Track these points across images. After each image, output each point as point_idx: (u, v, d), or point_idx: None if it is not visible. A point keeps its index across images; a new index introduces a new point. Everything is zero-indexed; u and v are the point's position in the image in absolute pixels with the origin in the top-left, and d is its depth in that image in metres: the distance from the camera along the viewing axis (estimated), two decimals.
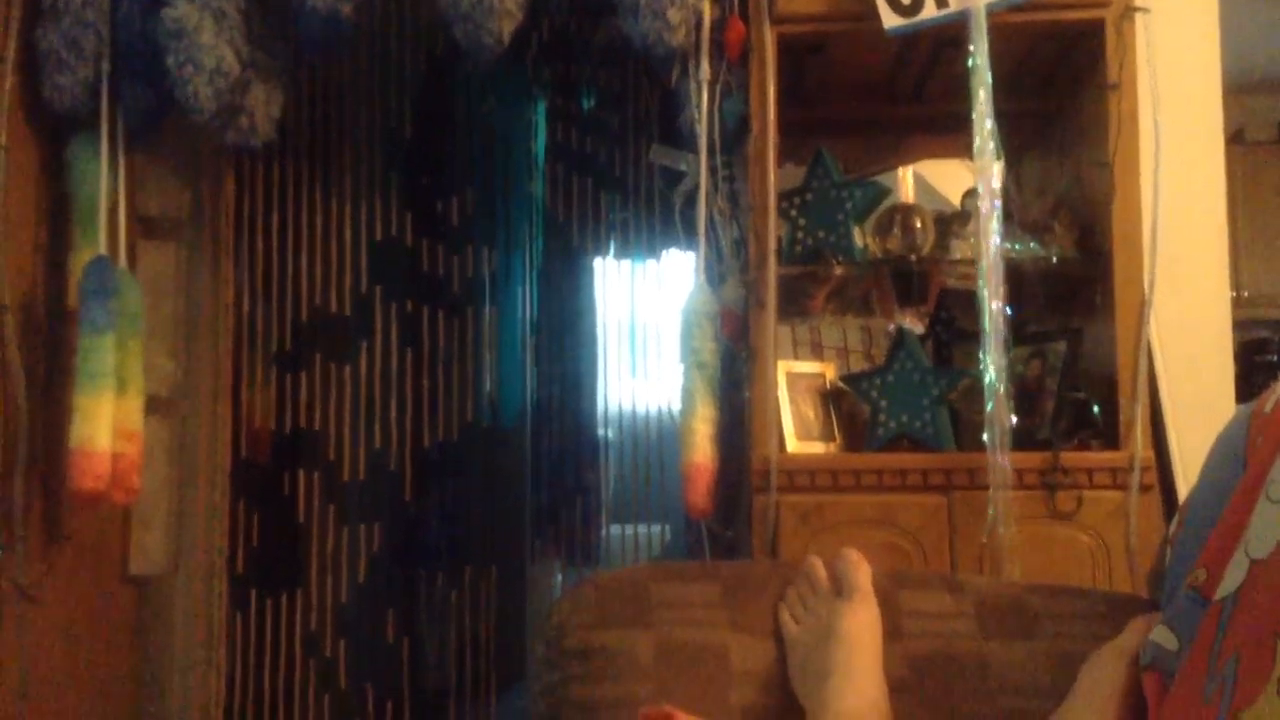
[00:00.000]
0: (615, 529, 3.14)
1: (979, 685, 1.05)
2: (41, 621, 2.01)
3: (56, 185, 2.08)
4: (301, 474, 2.70)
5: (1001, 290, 1.78)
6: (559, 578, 3.23)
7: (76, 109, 2.00)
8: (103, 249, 2.01)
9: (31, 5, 2.00)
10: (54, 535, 2.08)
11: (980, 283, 1.79)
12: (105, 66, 1.99)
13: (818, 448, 2.02)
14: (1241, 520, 0.87)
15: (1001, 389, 1.75)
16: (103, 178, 2.02)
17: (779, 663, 1.08)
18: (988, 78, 1.81)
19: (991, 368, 1.76)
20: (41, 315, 2.08)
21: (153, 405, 2.17)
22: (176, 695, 2.32)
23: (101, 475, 1.92)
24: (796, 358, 2.23)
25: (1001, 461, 1.73)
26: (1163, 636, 0.91)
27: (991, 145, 1.81)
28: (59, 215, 2.10)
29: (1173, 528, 1.04)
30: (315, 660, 2.65)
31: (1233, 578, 0.84)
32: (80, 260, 2.01)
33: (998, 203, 1.82)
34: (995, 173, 1.82)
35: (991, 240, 1.79)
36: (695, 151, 1.97)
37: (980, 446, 1.79)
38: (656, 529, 3.08)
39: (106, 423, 1.94)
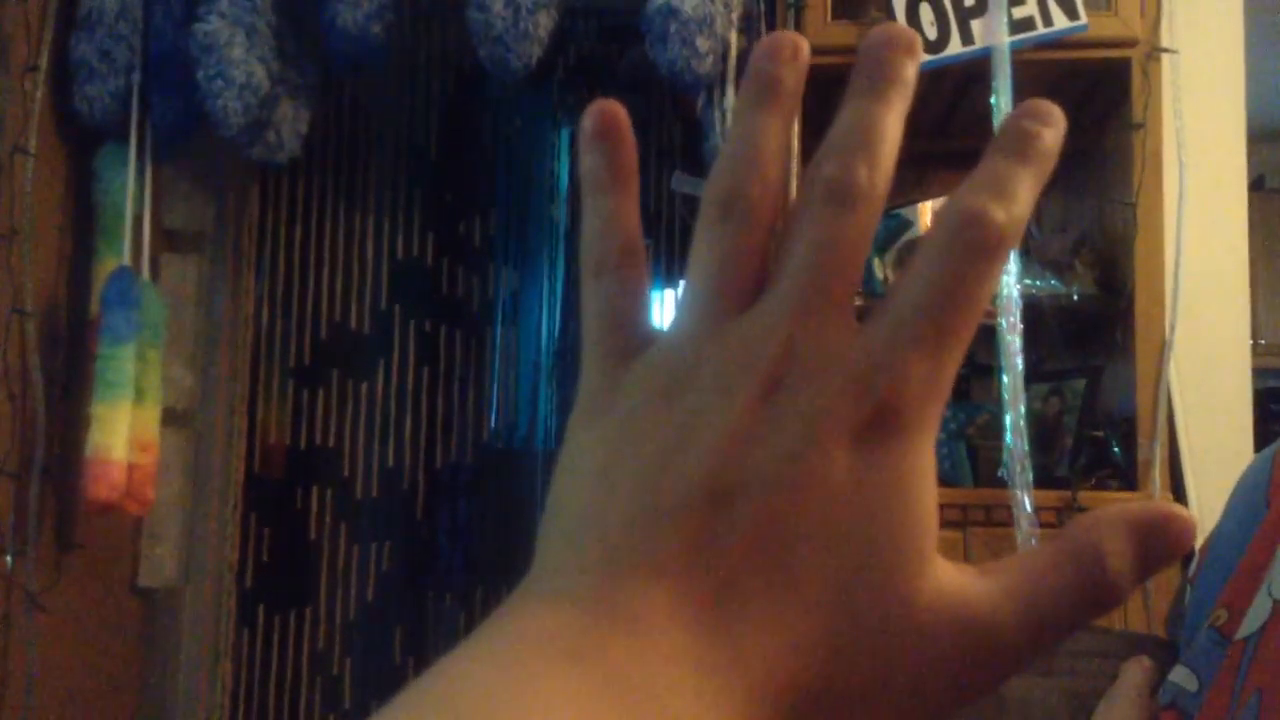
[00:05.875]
0: None
1: None
2: (49, 630, 2.00)
3: (83, 195, 2.10)
4: (315, 490, 2.70)
5: (1019, 327, 1.78)
6: None
7: (106, 120, 2.02)
8: (126, 259, 2.02)
9: (65, 16, 2.02)
10: (65, 544, 2.08)
11: (999, 319, 1.79)
12: (136, 78, 2.01)
13: None
14: (1264, 561, 0.87)
15: (1015, 424, 1.74)
16: (129, 189, 2.04)
17: None
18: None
19: (1011, 406, 1.75)
20: (63, 323, 2.09)
21: (169, 417, 2.17)
22: (181, 709, 2.32)
23: (116, 485, 1.93)
24: None
25: (1024, 499, 1.72)
26: (1182, 677, 0.90)
27: None
28: (84, 224, 2.11)
29: (1193, 568, 1.03)
30: (321, 678, 2.64)
31: (1255, 618, 0.83)
32: (104, 270, 2.03)
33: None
34: None
35: (1011, 277, 1.79)
36: None
37: (997, 483, 1.77)
38: None
39: (123, 433, 1.94)
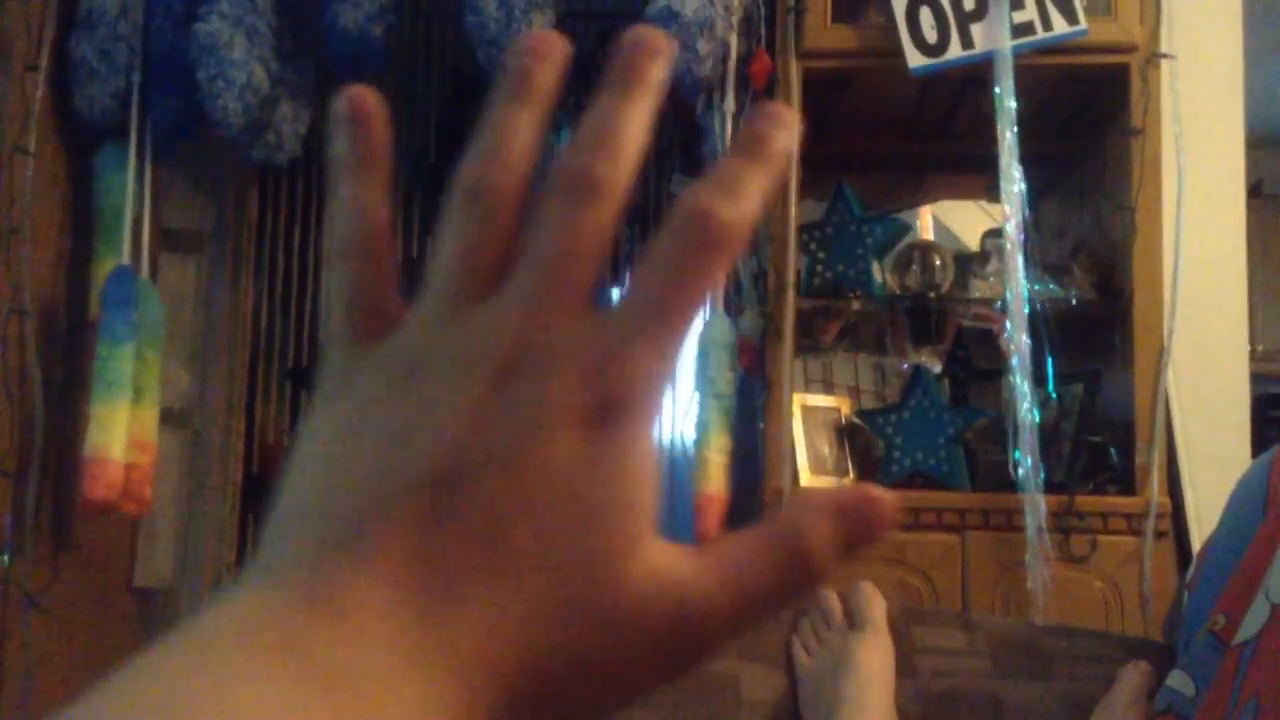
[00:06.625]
0: None
1: None
2: (46, 629, 2.00)
3: (82, 194, 2.10)
4: None
5: (1025, 329, 1.78)
6: None
7: (106, 120, 2.02)
8: (125, 259, 2.02)
9: (65, 16, 2.02)
10: (62, 543, 2.08)
11: (1009, 322, 1.79)
12: (136, 78, 2.01)
13: (830, 482, 2.01)
14: (1262, 565, 0.87)
15: (1030, 428, 1.75)
16: (129, 189, 2.03)
17: (789, 694, 1.07)
18: (1014, 120, 1.81)
19: (1024, 408, 1.75)
20: (62, 323, 2.09)
21: (167, 417, 2.17)
22: None
23: (114, 485, 1.92)
24: (808, 393, 2.23)
25: (1037, 501, 1.72)
26: (1179, 682, 0.90)
27: (1018, 185, 1.81)
28: (84, 224, 2.11)
29: (1190, 572, 1.03)
30: None
31: (1252, 622, 0.83)
32: (103, 270, 2.02)
33: (1022, 239, 1.82)
34: (1021, 214, 1.83)
35: (1018, 280, 1.79)
36: None
37: (995, 487, 1.77)
38: None
39: (121, 432, 1.94)
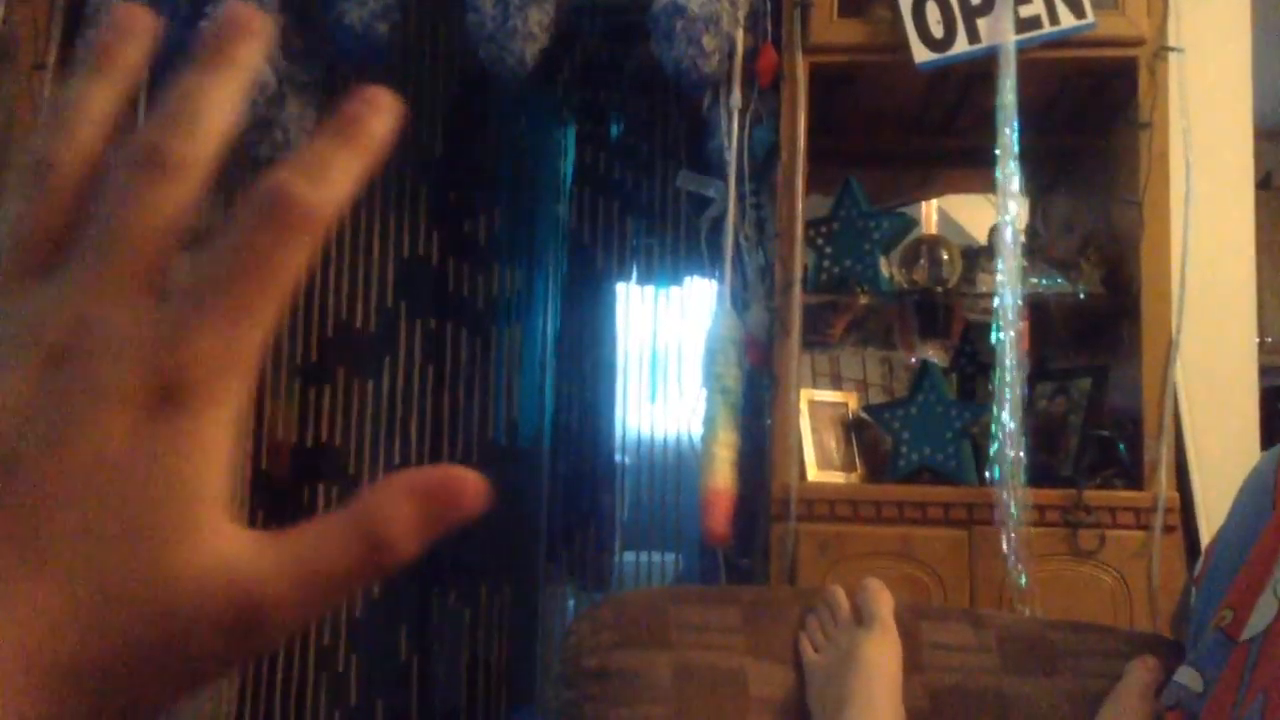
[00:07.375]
0: (629, 555, 3.13)
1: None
2: None
3: None
4: (321, 488, 2.70)
5: (1018, 325, 1.77)
6: (571, 602, 3.22)
7: None
8: None
9: (72, 13, 2.03)
10: None
11: (996, 317, 1.78)
12: (143, 76, 2.01)
13: (838, 478, 2.01)
14: (1269, 561, 0.87)
15: (1013, 424, 1.74)
16: None
17: (797, 690, 1.07)
18: (1015, 114, 1.81)
19: (1006, 403, 1.74)
20: None
21: None
22: (187, 707, 2.32)
23: None
24: (815, 388, 2.22)
25: (1009, 498, 1.72)
26: (1187, 677, 0.90)
27: (1015, 181, 1.81)
28: None
29: (1198, 568, 1.03)
30: (327, 675, 2.65)
31: (1260, 618, 0.83)
32: None
33: (1019, 240, 1.81)
34: (1018, 210, 1.82)
35: (1009, 276, 1.78)
36: (724, 178, 1.97)
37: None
38: (670, 557, 3.07)
39: None
